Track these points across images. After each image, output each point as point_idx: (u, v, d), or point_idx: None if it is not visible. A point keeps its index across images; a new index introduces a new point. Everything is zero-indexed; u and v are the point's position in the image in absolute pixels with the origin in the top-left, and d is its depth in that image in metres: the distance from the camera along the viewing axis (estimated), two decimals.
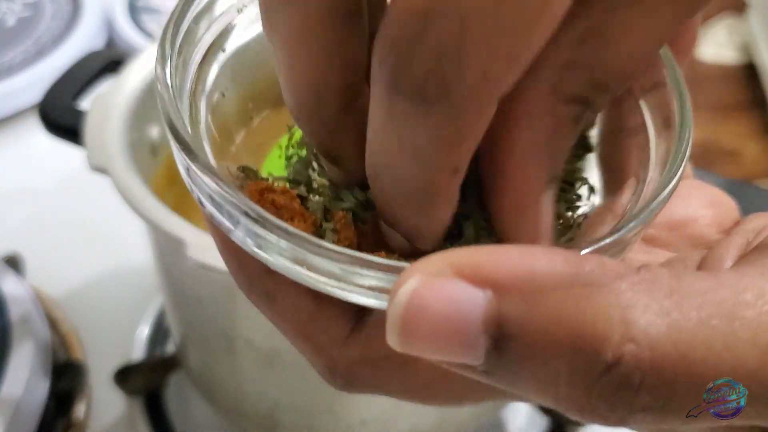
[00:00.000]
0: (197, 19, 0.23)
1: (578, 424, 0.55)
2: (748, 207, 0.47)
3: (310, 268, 0.19)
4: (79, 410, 0.52)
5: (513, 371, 0.16)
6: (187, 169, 0.20)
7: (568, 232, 0.24)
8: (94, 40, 0.78)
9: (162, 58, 0.22)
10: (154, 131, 0.49)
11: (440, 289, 0.15)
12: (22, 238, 0.64)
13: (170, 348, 0.58)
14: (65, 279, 0.62)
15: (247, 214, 0.19)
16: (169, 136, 0.20)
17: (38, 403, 0.49)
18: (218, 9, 0.24)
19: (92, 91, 0.52)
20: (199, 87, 0.24)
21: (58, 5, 0.81)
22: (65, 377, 0.53)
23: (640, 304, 0.15)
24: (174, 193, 0.48)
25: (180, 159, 0.20)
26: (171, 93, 0.21)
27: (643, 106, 0.24)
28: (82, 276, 0.62)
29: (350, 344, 0.22)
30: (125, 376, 0.54)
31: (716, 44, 0.90)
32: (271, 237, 0.19)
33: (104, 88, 0.50)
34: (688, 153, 0.21)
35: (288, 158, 0.26)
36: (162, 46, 0.22)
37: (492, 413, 0.55)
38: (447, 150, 0.17)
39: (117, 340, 0.58)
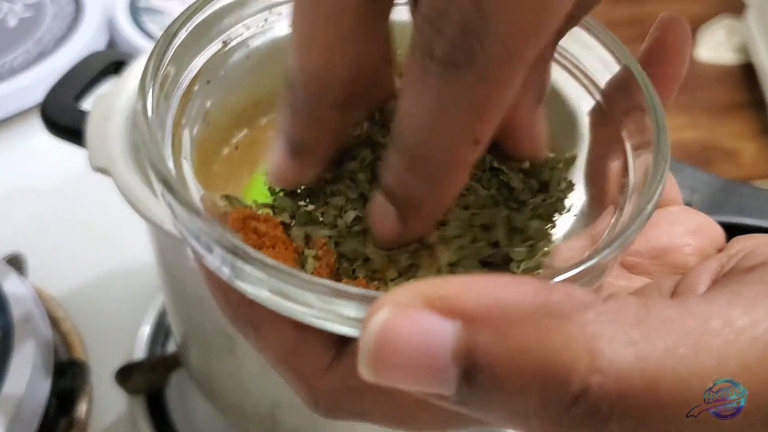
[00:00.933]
0: (178, 55, 0.23)
1: None
2: (746, 207, 0.47)
3: (288, 298, 0.19)
4: (81, 409, 0.52)
5: (485, 401, 0.16)
6: (168, 203, 0.20)
7: (547, 246, 0.24)
8: (95, 41, 0.78)
9: (143, 93, 0.21)
10: None
11: (410, 320, 0.15)
12: (24, 238, 0.64)
13: (171, 347, 0.58)
14: (67, 279, 0.62)
15: (224, 247, 0.19)
16: (150, 172, 0.21)
17: (40, 402, 0.49)
18: (203, 42, 0.24)
19: (94, 91, 0.52)
20: (183, 118, 0.24)
21: (59, 6, 0.81)
22: (67, 376, 0.52)
23: (607, 335, 0.15)
24: None
25: (160, 193, 0.20)
26: (151, 127, 0.21)
27: (624, 133, 0.24)
28: (84, 276, 0.63)
29: (332, 373, 0.22)
30: (127, 375, 0.54)
31: (715, 45, 0.91)
32: (249, 269, 0.19)
33: (106, 88, 0.50)
34: (663, 181, 0.21)
35: None
36: (143, 81, 0.22)
37: None
38: (471, 115, 0.18)
39: (118, 339, 0.58)
